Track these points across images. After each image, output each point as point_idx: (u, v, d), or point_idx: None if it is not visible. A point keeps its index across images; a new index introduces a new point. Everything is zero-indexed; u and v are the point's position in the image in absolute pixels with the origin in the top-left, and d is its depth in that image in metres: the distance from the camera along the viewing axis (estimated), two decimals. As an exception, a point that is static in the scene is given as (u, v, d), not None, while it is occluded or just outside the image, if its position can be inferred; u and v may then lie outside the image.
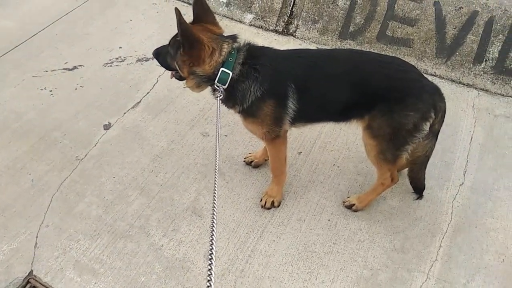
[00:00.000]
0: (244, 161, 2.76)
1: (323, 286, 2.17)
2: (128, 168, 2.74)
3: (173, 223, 2.45)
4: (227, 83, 2.02)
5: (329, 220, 2.45)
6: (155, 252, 2.31)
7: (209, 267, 1.25)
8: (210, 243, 1.33)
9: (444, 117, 2.19)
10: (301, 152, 2.82)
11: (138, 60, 3.53)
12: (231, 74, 2.01)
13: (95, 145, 2.87)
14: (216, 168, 1.69)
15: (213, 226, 1.40)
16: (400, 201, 2.54)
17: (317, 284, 2.17)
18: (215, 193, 1.57)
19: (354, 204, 2.47)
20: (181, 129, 2.98)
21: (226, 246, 2.33)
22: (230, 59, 2.03)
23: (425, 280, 2.19)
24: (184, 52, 1.98)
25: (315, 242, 2.35)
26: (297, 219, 2.46)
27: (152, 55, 2.26)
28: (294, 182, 2.65)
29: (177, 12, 1.83)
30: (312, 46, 3.61)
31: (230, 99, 2.11)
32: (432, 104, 2.09)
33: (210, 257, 1.24)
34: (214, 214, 1.46)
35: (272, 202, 2.50)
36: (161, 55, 2.19)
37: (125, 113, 3.08)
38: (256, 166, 2.74)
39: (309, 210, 2.50)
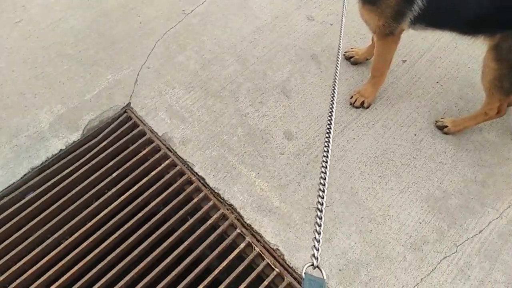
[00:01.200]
0: (344, 54, 2.66)
1: (391, 192, 2.19)
2: (229, 33, 2.76)
3: (262, 96, 2.50)
4: None
5: (415, 135, 2.38)
6: (240, 117, 2.41)
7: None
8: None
9: None
10: (406, 60, 2.66)
11: None
12: None
13: (202, 3, 2.88)
14: (339, 55, 1.62)
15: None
16: (496, 137, 2.38)
17: (385, 189, 2.19)
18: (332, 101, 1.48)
19: (447, 126, 2.35)
20: (287, 7, 2.89)
21: (306, 130, 2.37)
22: None
23: (496, 218, 2.13)
24: None
25: (395, 151, 2.32)
26: (383, 125, 2.42)
27: None
28: (389, 89, 2.55)
29: None
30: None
31: None
32: None
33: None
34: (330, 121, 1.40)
35: (362, 102, 2.45)
36: None
37: (237, -23, 3.02)
38: (355, 63, 2.64)
39: (397, 120, 2.43)
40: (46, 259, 1.89)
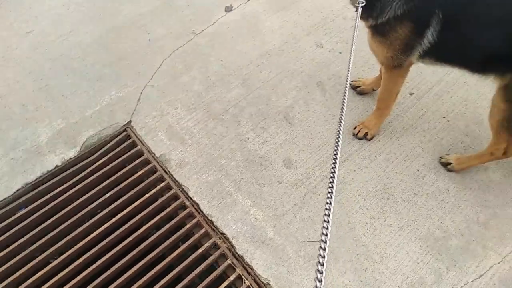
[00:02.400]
0: (351, 84, 2.63)
1: (389, 229, 2.13)
2: (236, 56, 2.75)
3: (264, 121, 2.47)
4: None
5: (418, 170, 2.33)
6: (240, 142, 2.38)
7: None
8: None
9: None
10: (413, 93, 2.62)
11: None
12: None
13: (213, 24, 2.89)
14: (347, 82, 1.59)
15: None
16: (502, 177, 2.32)
17: (384, 225, 2.13)
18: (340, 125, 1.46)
19: (451, 163, 2.30)
20: (297, 33, 2.88)
21: (306, 159, 2.33)
22: None
23: (498, 263, 2.05)
24: None
25: (396, 186, 2.27)
26: (385, 158, 2.37)
27: None
28: (395, 122, 2.50)
29: None
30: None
31: (367, 8, 1.92)
32: None
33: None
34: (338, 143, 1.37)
35: (366, 134, 2.40)
36: None
37: (249, 0, 3.02)
38: (361, 93, 2.60)
39: (400, 154, 2.38)
40: (33, 278, 1.86)
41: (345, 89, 1.57)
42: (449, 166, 2.30)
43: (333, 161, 1.25)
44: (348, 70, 1.65)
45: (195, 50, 2.75)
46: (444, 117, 2.53)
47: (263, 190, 2.21)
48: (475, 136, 2.46)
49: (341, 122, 1.44)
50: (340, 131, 1.40)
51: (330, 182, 1.19)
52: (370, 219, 2.16)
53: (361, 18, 1.98)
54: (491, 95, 2.03)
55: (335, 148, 1.30)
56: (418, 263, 2.04)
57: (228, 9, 2.95)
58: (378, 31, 1.97)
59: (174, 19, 2.88)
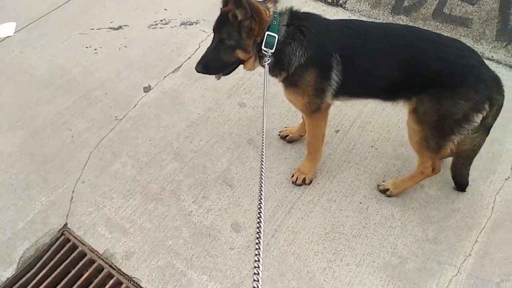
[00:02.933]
0: (279, 135, 2.71)
1: (347, 268, 2.13)
2: (164, 132, 2.76)
3: (204, 190, 2.46)
4: (274, 46, 1.94)
5: (360, 203, 2.39)
6: (184, 217, 2.34)
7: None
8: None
9: (499, 111, 2.01)
10: (338, 130, 2.73)
11: (182, 24, 3.51)
12: (277, 36, 1.94)
13: (134, 107, 2.90)
14: (263, 140, 1.63)
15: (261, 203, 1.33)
16: (438, 190, 2.43)
17: (341, 266, 2.14)
18: (262, 170, 1.49)
19: (388, 189, 2.38)
20: (218, 98, 2.96)
21: (253, 218, 2.33)
22: (274, 22, 1.95)
23: (456, 275, 2.10)
24: (255, 22, 1.89)
25: (344, 224, 2.30)
26: (328, 198, 2.41)
27: (196, 68, 2.07)
28: (328, 161, 2.59)
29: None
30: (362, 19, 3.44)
31: (277, 64, 2.03)
32: (487, 95, 1.91)
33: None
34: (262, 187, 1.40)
35: (304, 179, 2.46)
36: (213, 60, 2.05)
37: (165, 76, 3.09)
38: (291, 141, 2.69)
39: (341, 191, 2.44)
40: None
41: (262, 142, 1.62)
42: (387, 192, 2.39)
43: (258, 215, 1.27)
44: (263, 124, 1.71)
45: (121, 136, 2.74)
46: (372, 146, 2.65)
47: (217, 261, 2.16)
48: (405, 158, 2.59)
49: (262, 173, 1.48)
50: (262, 187, 1.43)
51: (257, 239, 1.20)
52: (327, 263, 2.16)
53: (273, 75, 2.10)
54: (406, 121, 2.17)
55: (259, 207, 1.32)
56: (382, 296, 2.04)
57: (147, 89, 2.99)
58: (291, 82, 2.09)
59: (94, 110, 2.87)
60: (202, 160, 2.61)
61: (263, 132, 1.71)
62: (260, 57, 2.03)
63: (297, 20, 1.99)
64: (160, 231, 2.28)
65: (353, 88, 2.13)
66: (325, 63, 2.00)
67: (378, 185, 2.44)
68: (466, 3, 3.23)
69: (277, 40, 1.94)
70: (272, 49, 1.95)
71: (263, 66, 2.00)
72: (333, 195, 2.43)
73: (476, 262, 2.14)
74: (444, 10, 3.28)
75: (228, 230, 2.29)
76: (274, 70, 2.07)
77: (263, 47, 1.95)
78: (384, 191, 2.40)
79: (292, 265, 2.14)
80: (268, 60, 1.98)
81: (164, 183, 2.49)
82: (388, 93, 2.12)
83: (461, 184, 2.35)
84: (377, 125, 2.76)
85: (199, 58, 2.06)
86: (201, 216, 2.35)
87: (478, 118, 1.95)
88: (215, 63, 2.06)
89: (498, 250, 2.18)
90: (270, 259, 2.18)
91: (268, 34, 1.94)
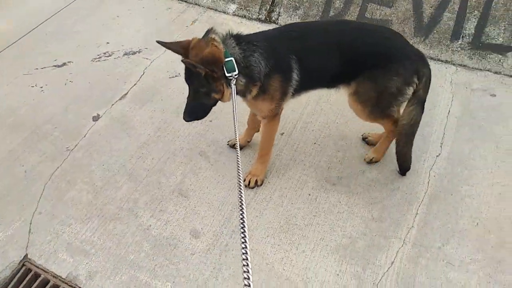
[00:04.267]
0: (228, 144, 2.86)
1: (303, 255, 2.26)
2: (116, 156, 2.84)
3: (160, 204, 2.55)
4: (235, 67, 2.03)
5: (309, 195, 2.55)
6: (143, 232, 2.41)
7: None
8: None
9: (429, 83, 2.30)
10: (283, 133, 2.91)
11: (125, 54, 3.64)
12: (232, 58, 2.04)
13: (85, 136, 2.97)
14: (238, 152, 1.78)
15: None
16: (378, 174, 2.63)
17: (298, 254, 2.27)
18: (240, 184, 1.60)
19: (373, 157, 2.65)
20: (167, 117, 3.08)
21: (211, 223, 2.43)
22: (224, 49, 2.06)
23: (402, 246, 2.28)
24: (215, 72, 2.01)
25: (296, 216, 2.45)
26: (279, 195, 2.56)
27: (185, 118, 2.24)
28: (276, 162, 2.75)
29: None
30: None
31: (250, 81, 2.14)
32: (414, 69, 2.23)
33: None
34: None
35: (256, 181, 2.60)
36: (196, 107, 2.20)
37: (113, 104, 3.19)
38: (239, 148, 2.83)
39: (290, 187, 2.60)
40: None
41: (237, 153, 1.79)
42: (373, 159, 2.67)
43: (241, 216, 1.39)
44: (236, 133, 1.87)
45: (74, 165, 2.79)
46: (315, 143, 2.84)
47: (179, 268, 2.24)
48: (345, 149, 2.79)
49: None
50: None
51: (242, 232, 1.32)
52: (284, 253, 2.28)
53: (243, 95, 2.24)
54: (347, 112, 2.38)
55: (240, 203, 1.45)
56: (338, 275, 2.18)
57: (96, 118, 3.07)
58: (261, 91, 2.23)
59: (46, 144, 2.92)
60: (156, 177, 2.70)
61: (237, 141, 1.87)
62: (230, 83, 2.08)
63: (244, 38, 2.16)
64: (121, 248, 2.34)
65: (307, 82, 2.34)
66: (286, 67, 2.21)
67: (364, 158, 2.70)
68: (384, 7, 3.56)
69: (236, 61, 2.04)
70: (235, 71, 2.03)
71: (233, 85, 2.05)
72: (284, 191, 2.58)
73: (418, 232, 2.34)
74: (366, 15, 3.60)
75: (188, 238, 2.37)
76: (246, 90, 2.19)
77: (227, 74, 2.02)
78: (370, 161, 2.67)
79: (252, 260, 2.25)
80: (236, 76, 2.04)
81: (121, 203, 2.56)
82: (332, 81, 2.37)
83: (404, 166, 2.54)
84: (317, 124, 2.96)
85: (184, 110, 2.22)
86: (160, 228, 2.43)
87: (410, 91, 2.26)
88: (199, 109, 2.22)
89: (436, 219, 2.39)
90: (230, 258, 2.28)
91: (225, 62, 2.02)
